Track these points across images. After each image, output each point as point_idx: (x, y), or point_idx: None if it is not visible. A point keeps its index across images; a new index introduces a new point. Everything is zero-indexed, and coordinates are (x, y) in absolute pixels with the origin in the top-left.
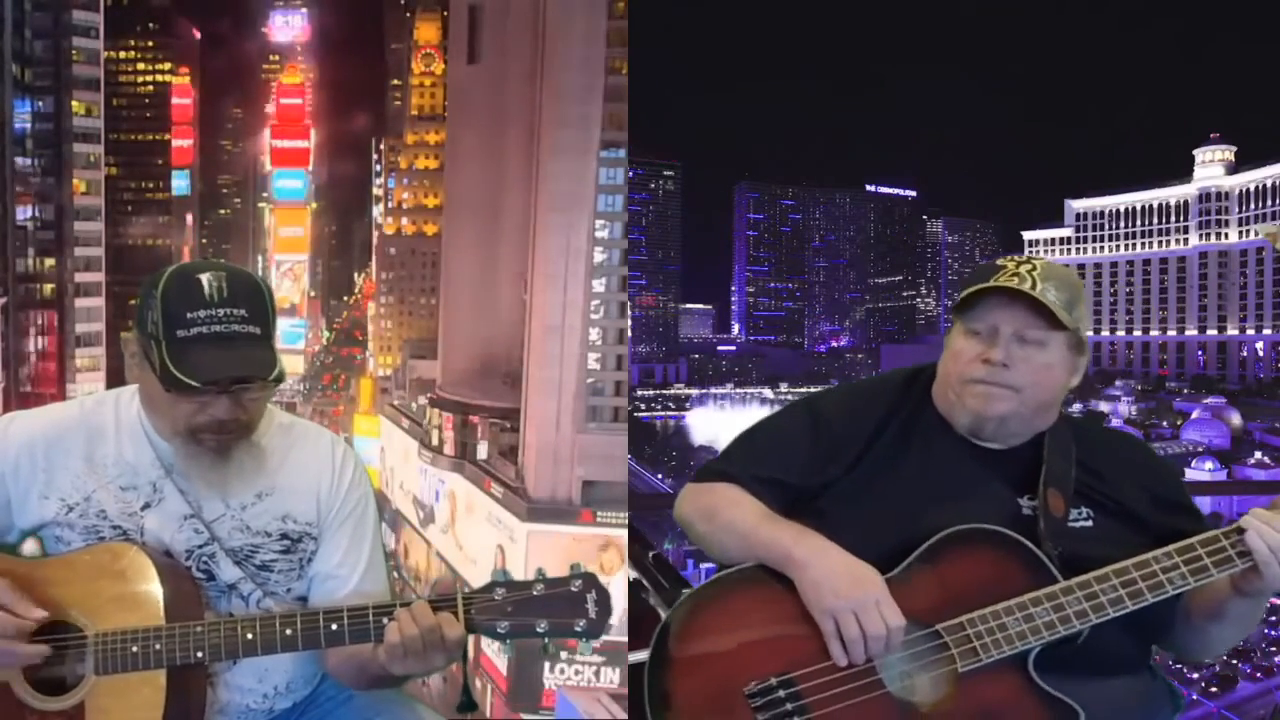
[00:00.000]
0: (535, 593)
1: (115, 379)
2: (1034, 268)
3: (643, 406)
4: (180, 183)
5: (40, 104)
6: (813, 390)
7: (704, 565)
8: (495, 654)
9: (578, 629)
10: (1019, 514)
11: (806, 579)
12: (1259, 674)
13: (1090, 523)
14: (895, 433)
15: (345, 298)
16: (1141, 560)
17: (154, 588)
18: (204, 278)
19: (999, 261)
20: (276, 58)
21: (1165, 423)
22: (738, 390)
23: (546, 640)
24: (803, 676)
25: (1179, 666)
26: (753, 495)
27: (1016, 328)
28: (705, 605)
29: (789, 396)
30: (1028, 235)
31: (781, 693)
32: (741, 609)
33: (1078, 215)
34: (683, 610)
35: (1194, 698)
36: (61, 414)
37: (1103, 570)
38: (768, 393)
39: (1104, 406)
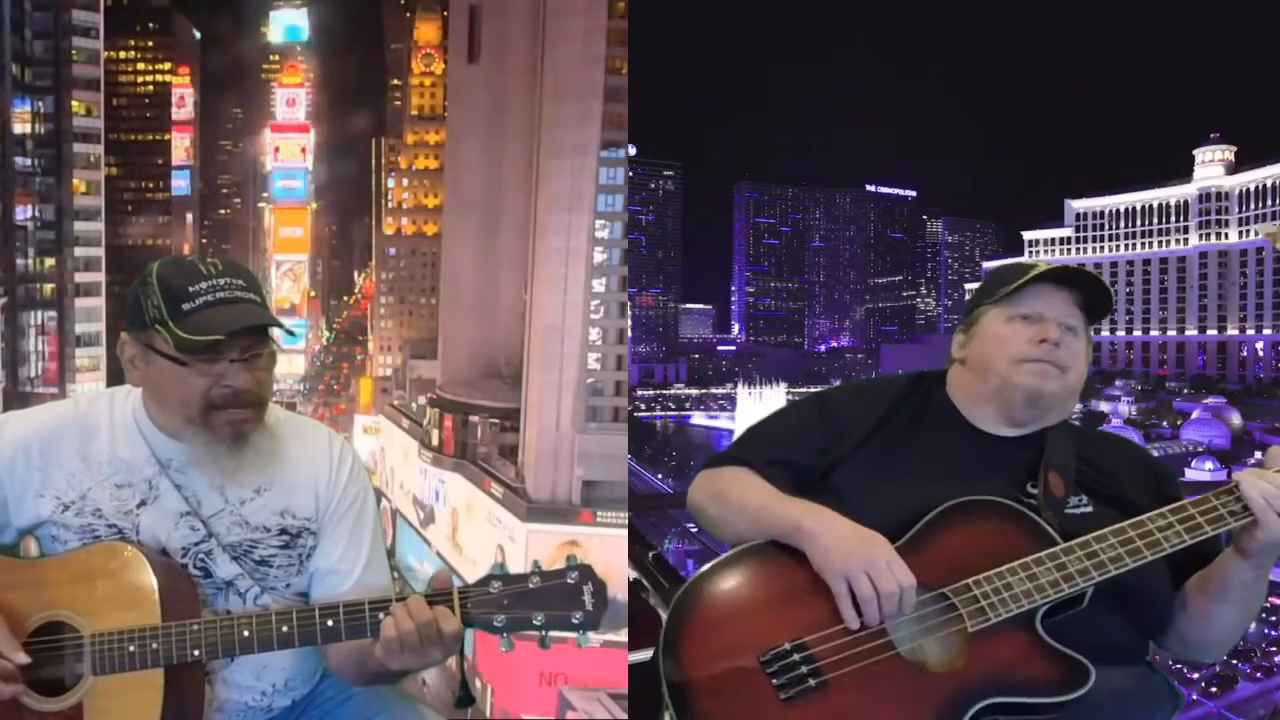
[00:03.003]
0: (531, 585)
1: (115, 379)
2: (1069, 269)
3: (643, 406)
4: (180, 183)
5: (40, 104)
6: (814, 390)
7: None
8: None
9: (574, 621)
10: (1022, 497)
11: (817, 546)
12: (1259, 674)
13: (1090, 509)
14: (906, 417)
15: (345, 298)
16: (1137, 520)
17: (150, 587)
18: (196, 260)
19: (1028, 262)
20: (276, 58)
21: (1165, 423)
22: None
23: (544, 633)
24: (815, 641)
25: (1179, 666)
26: (763, 478)
27: (1059, 314)
28: (718, 580)
29: (790, 397)
30: (1028, 235)
31: (795, 656)
32: (753, 581)
33: (1078, 215)
34: (696, 585)
35: (1194, 698)
36: (56, 412)
37: (1100, 531)
38: (768, 393)
39: (1104, 406)
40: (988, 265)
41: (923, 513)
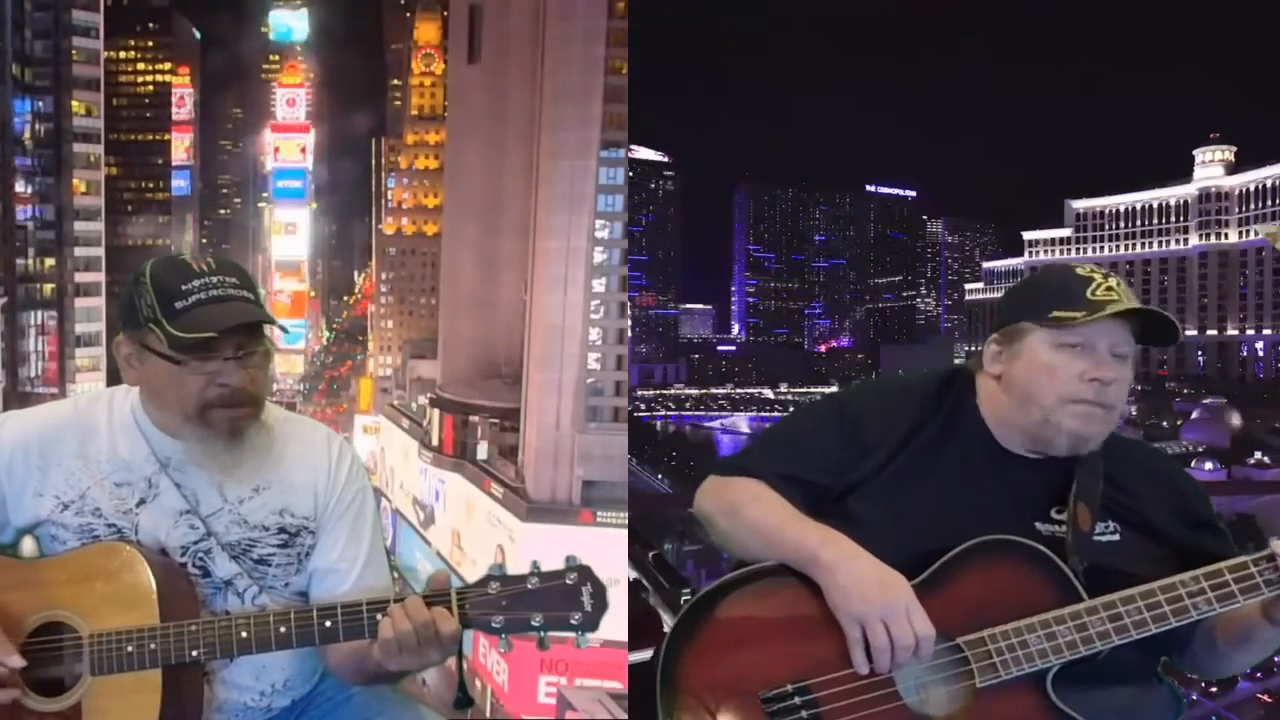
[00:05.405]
0: (530, 586)
1: (115, 379)
2: (1119, 283)
3: (643, 406)
4: (180, 183)
5: (40, 104)
6: (813, 391)
7: (704, 569)
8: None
9: (573, 622)
10: (1045, 533)
11: (833, 583)
12: (1259, 674)
13: (1117, 536)
14: (932, 436)
15: (345, 298)
16: (1168, 583)
17: (149, 587)
18: (188, 258)
19: (1080, 271)
20: (276, 57)
21: (1165, 423)
22: (738, 390)
23: (542, 634)
24: (819, 684)
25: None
26: (777, 493)
27: (1113, 342)
28: (724, 602)
29: (789, 396)
30: (1028, 235)
31: (797, 700)
32: (761, 609)
33: (1078, 215)
34: (700, 605)
35: (1194, 698)
36: (55, 412)
37: (1128, 591)
38: (768, 393)
39: None
40: (987, 265)
41: (944, 547)
